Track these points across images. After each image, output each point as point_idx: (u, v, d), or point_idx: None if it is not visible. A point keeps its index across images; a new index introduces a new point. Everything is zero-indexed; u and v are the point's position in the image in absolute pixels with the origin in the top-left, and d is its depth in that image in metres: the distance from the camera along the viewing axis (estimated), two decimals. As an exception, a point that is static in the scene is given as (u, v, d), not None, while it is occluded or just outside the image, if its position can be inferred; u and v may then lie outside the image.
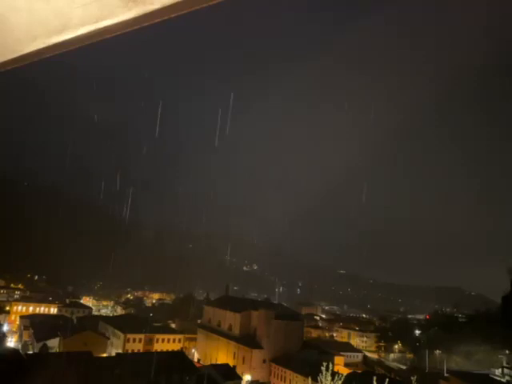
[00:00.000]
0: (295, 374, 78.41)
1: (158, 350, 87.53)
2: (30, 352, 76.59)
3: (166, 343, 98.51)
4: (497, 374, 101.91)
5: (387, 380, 15.50)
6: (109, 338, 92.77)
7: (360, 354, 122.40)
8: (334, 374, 14.66)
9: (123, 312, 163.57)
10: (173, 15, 1.81)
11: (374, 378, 15.37)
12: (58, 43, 1.85)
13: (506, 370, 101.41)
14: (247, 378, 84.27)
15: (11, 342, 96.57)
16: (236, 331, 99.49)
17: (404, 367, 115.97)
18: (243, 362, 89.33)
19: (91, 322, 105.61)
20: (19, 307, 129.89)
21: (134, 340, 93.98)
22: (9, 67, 2.12)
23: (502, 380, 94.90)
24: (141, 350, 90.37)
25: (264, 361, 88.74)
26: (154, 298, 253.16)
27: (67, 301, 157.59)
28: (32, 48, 1.89)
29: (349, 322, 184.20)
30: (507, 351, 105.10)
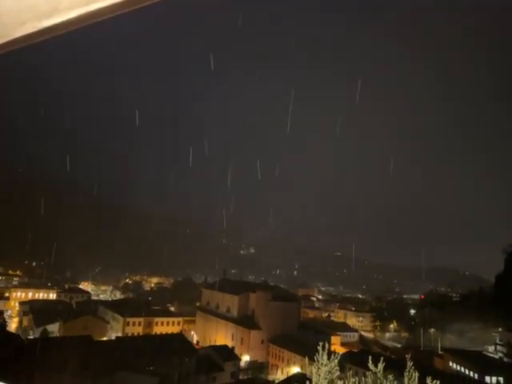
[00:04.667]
0: (292, 354, 79.88)
1: (158, 333, 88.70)
2: (31, 337, 77.37)
3: (165, 326, 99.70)
4: (490, 351, 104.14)
5: (383, 358, 15.95)
6: (108, 322, 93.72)
7: (356, 334, 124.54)
8: (330, 353, 15.09)
9: (122, 296, 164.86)
10: None
11: (370, 356, 15.79)
12: (48, 27, 1.75)
13: (498, 347, 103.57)
14: (246, 358, 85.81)
15: (11, 328, 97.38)
16: (234, 313, 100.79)
17: (399, 345, 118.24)
18: (241, 343, 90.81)
19: (90, 307, 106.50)
20: (18, 293, 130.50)
21: (134, 323, 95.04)
22: None
23: (495, 357, 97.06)
24: (140, 334, 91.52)
25: (262, 341, 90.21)
26: (152, 282, 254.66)
27: (66, 286, 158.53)
28: (21, 33, 1.81)
29: (345, 303, 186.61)
30: (500, 329, 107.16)
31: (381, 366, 16.20)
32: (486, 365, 78.17)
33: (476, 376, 75.08)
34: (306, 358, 17.57)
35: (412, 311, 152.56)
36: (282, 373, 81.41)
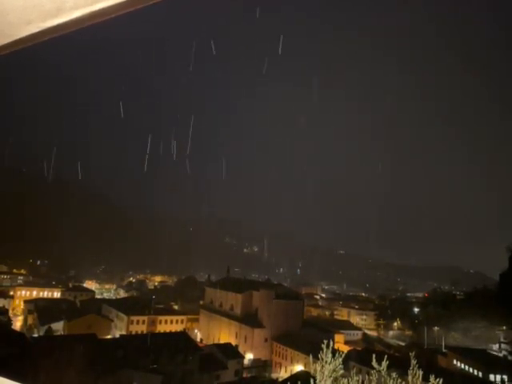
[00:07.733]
0: (296, 352, 79.95)
1: (162, 332, 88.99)
2: (36, 335, 77.73)
3: (168, 324, 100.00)
4: (494, 349, 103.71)
5: (386, 356, 15.89)
6: (112, 321, 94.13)
7: (360, 332, 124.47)
8: (334, 351, 15.05)
9: (126, 295, 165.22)
10: None
11: (374, 354, 15.73)
12: (53, 27, 1.75)
13: (503, 346, 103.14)
14: (249, 356, 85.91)
15: (16, 326, 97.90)
16: (238, 311, 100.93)
17: (403, 344, 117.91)
18: (245, 341, 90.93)
19: (94, 306, 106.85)
20: (23, 292, 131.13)
21: (138, 322, 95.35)
22: (4, 52, 2.04)
23: (499, 355, 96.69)
24: (144, 332, 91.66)
25: (265, 340, 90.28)
26: (155, 280, 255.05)
27: (70, 285, 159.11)
28: (27, 32, 1.81)
29: (348, 301, 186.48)
30: (504, 327, 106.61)
31: (384, 364, 16.14)
32: (490, 363, 77.87)
33: (480, 374, 74.88)
34: (310, 356, 17.52)
35: (416, 309, 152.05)
36: (286, 371, 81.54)
